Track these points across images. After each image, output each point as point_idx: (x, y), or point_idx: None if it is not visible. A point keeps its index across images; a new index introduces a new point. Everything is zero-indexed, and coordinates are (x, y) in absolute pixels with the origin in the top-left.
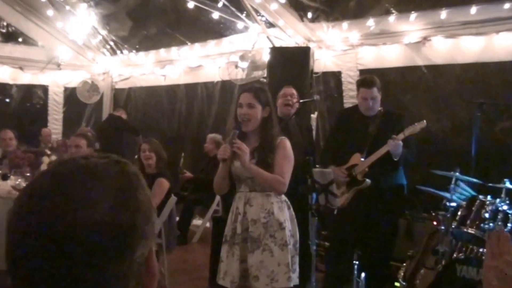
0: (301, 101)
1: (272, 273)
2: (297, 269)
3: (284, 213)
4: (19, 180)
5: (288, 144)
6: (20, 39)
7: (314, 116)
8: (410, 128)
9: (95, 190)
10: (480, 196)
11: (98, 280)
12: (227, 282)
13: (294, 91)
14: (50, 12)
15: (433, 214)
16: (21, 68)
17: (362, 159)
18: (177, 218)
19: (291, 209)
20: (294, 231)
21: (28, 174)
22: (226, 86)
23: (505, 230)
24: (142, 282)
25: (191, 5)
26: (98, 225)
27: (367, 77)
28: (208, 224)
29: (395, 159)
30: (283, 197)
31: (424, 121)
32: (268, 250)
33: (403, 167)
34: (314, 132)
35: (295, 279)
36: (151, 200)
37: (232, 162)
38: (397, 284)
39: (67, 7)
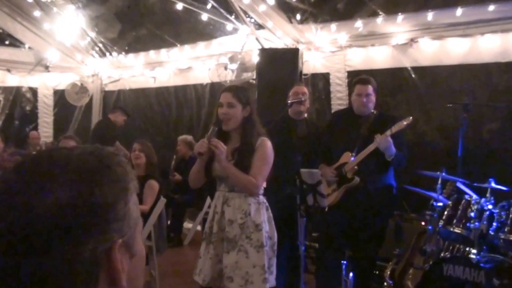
0: (289, 102)
1: (247, 275)
2: (274, 271)
3: (261, 215)
4: None
5: (268, 144)
6: (7, 42)
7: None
8: (396, 124)
9: (47, 181)
10: (466, 196)
11: (33, 273)
12: (200, 279)
13: (305, 89)
14: (37, 13)
15: (422, 214)
16: (8, 70)
17: (352, 158)
18: (169, 222)
19: (269, 210)
20: (272, 232)
21: None
22: (215, 88)
23: (490, 229)
24: (97, 283)
25: (180, 6)
26: (41, 216)
27: (364, 76)
28: (199, 227)
29: (389, 159)
30: (261, 198)
31: (411, 117)
32: (243, 251)
33: (394, 170)
34: None
35: (272, 280)
36: (118, 195)
37: (213, 160)
38: (385, 283)
39: (55, 9)
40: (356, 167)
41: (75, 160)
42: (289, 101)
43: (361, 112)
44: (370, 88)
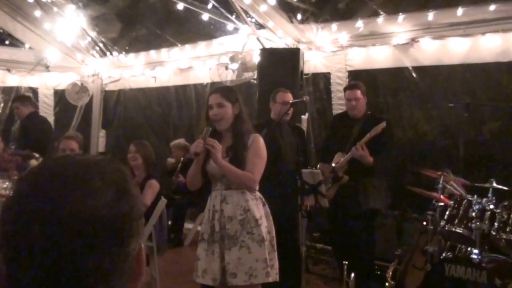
0: (290, 101)
1: (251, 269)
2: (275, 265)
3: (260, 210)
4: (6, 183)
5: (261, 141)
6: (7, 42)
7: (305, 117)
8: (373, 130)
9: (94, 183)
10: (468, 196)
11: (95, 270)
12: (207, 279)
13: (291, 97)
14: (37, 13)
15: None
16: (8, 70)
17: (343, 158)
18: (169, 222)
19: (266, 205)
20: (270, 227)
21: (15, 177)
22: (215, 87)
23: (492, 229)
24: (132, 278)
25: (180, 6)
26: (98, 216)
27: (352, 82)
28: (199, 227)
29: (366, 165)
30: (258, 194)
31: (384, 122)
32: (245, 246)
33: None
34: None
35: (273, 275)
36: (140, 198)
37: (208, 160)
38: (387, 284)
39: (55, 9)
40: (346, 166)
41: (105, 165)
42: (290, 101)
43: (353, 115)
44: (358, 93)
